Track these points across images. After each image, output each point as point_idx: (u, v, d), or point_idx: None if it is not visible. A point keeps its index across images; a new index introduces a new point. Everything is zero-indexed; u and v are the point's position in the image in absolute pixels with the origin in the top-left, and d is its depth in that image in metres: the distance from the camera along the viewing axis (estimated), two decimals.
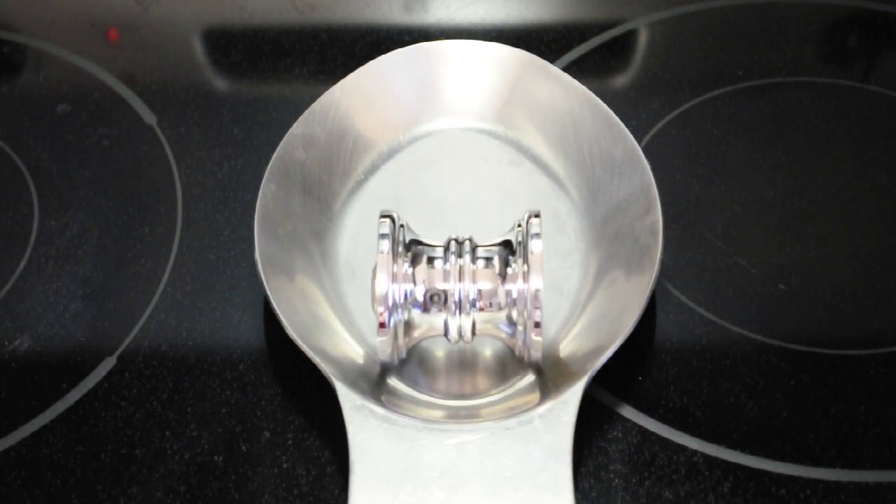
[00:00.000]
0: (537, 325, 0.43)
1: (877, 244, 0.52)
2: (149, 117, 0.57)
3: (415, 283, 0.44)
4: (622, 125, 0.51)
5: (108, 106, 0.58)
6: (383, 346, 0.44)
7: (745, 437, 0.45)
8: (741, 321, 0.49)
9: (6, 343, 0.49)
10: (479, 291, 0.44)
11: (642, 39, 0.62)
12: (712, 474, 0.44)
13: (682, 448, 0.45)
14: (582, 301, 0.48)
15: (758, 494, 0.43)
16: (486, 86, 0.54)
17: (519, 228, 0.45)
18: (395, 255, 0.44)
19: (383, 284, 0.43)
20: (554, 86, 0.53)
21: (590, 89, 0.52)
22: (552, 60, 0.57)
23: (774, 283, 0.50)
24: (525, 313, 0.44)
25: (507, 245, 0.45)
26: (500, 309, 0.44)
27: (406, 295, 0.44)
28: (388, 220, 0.44)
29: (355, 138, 0.53)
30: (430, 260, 0.44)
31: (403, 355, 0.45)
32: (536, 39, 0.61)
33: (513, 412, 0.43)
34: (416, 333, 0.45)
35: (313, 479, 0.44)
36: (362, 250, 0.50)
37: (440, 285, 0.44)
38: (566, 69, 0.55)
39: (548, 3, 0.64)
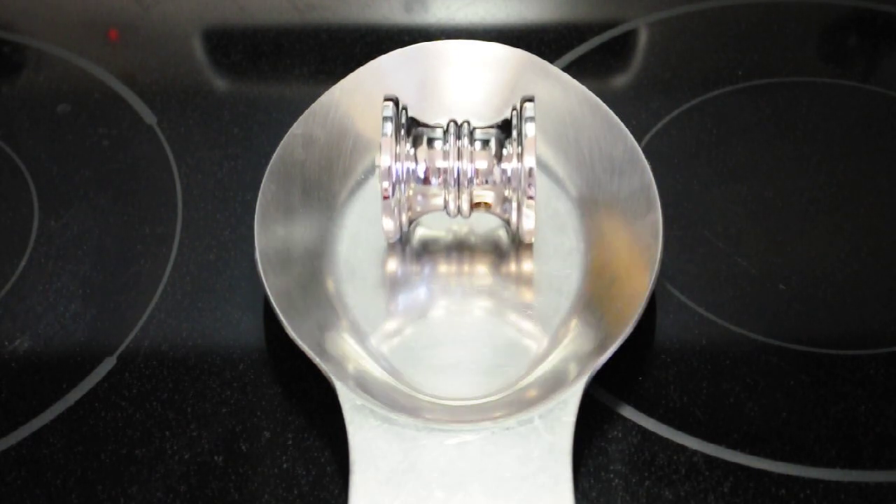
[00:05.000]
0: (530, 197, 0.47)
1: (877, 244, 0.52)
2: (149, 117, 0.57)
3: (416, 161, 0.47)
4: (622, 125, 0.51)
5: (108, 106, 0.58)
6: (386, 219, 0.47)
7: (745, 437, 0.45)
8: (741, 321, 0.49)
9: (6, 343, 0.49)
10: (476, 170, 0.47)
11: (642, 39, 0.62)
12: (712, 474, 0.44)
13: (682, 448, 0.45)
14: (582, 301, 0.48)
15: (758, 494, 0.43)
16: (486, 86, 0.54)
17: (515, 112, 0.48)
18: (397, 136, 0.47)
19: (387, 160, 0.46)
20: (554, 86, 0.53)
21: (590, 89, 0.52)
22: (552, 60, 0.57)
23: (774, 283, 0.50)
24: (519, 189, 0.47)
25: (502, 128, 0.48)
26: (495, 185, 0.47)
27: (408, 171, 0.47)
28: (390, 104, 0.47)
29: (355, 138, 0.53)
30: (431, 141, 0.48)
31: (406, 229, 0.49)
32: (536, 39, 0.61)
33: (513, 412, 0.43)
34: (418, 209, 0.48)
35: (313, 479, 0.44)
36: (362, 250, 0.50)
37: (440, 164, 0.47)
38: (566, 69, 0.55)
39: (548, 3, 0.64)
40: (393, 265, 0.50)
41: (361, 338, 0.47)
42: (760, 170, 0.55)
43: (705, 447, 0.45)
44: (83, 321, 0.49)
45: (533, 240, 0.49)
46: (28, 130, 0.57)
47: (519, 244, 0.50)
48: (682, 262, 0.51)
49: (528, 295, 0.50)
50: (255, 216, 0.48)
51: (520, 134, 0.47)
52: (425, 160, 0.47)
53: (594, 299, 0.48)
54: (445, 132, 0.48)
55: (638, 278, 0.46)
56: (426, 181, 0.48)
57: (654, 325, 0.49)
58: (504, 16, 0.64)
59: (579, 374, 0.44)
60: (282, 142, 0.51)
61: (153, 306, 0.50)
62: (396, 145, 0.47)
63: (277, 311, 0.45)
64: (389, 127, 0.47)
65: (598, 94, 0.52)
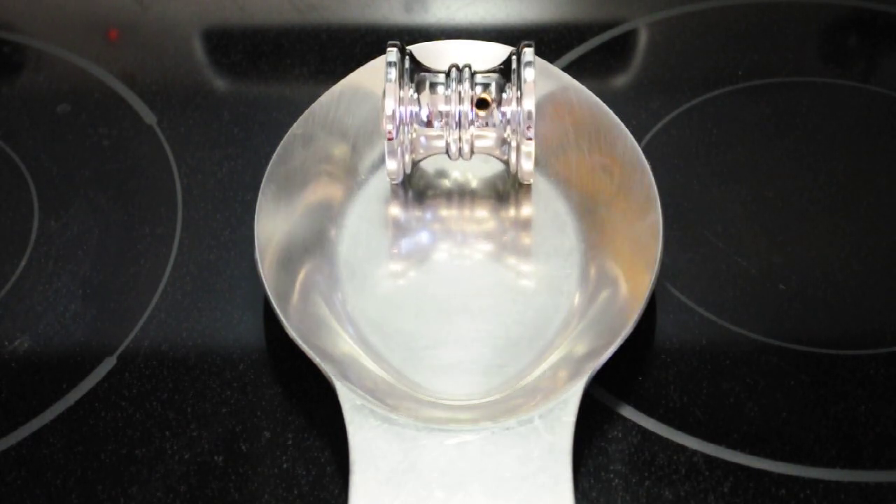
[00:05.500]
0: (529, 138, 0.49)
1: (877, 244, 0.52)
2: (149, 117, 0.57)
3: (419, 105, 0.49)
4: (622, 125, 0.51)
5: (108, 106, 0.58)
6: (390, 160, 0.49)
7: (745, 437, 0.45)
8: (741, 321, 0.49)
9: (6, 343, 0.49)
10: (477, 113, 0.49)
11: (642, 39, 0.62)
12: (712, 474, 0.44)
13: (682, 448, 0.45)
14: (582, 301, 0.48)
15: (758, 494, 0.43)
16: None
17: (514, 57, 0.50)
18: (401, 81, 0.49)
19: (391, 105, 0.48)
20: (554, 86, 0.53)
21: (590, 89, 0.52)
22: (552, 60, 0.57)
23: (774, 283, 0.50)
24: (518, 131, 0.49)
25: (502, 73, 0.50)
26: (494, 128, 0.49)
27: (411, 114, 0.49)
28: (395, 50, 0.49)
29: (355, 138, 0.53)
30: (434, 85, 0.50)
31: (409, 171, 0.51)
32: (536, 39, 0.61)
33: (513, 412, 0.43)
34: (421, 151, 0.50)
35: (313, 479, 0.44)
36: (362, 250, 0.50)
37: (442, 107, 0.49)
38: (566, 69, 0.55)
39: (548, 3, 0.64)
40: (392, 262, 0.50)
41: (361, 337, 0.47)
42: (760, 170, 0.55)
43: (705, 447, 0.45)
44: (83, 321, 0.49)
45: (532, 181, 0.51)
46: (28, 130, 0.57)
47: (519, 187, 0.51)
48: (682, 262, 0.51)
49: (529, 292, 0.49)
50: (255, 216, 0.48)
51: (519, 78, 0.49)
52: (428, 104, 0.49)
53: (594, 299, 0.48)
54: (447, 77, 0.50)
55: (638, 278, 0.46)
56: (429, 124, 0.49)
57: (654, 325, 0.49)
58: (504, 16, 0.64)
59: (579, 374, 0.44)
60: (282, 142, 0.51)
61: (153, 306, 0.50)
62: (400, 90, 0.49)
63: (277, 311, 0.45)
64: (394, 72, 0.49)
65: (598, 94, 0.52)
